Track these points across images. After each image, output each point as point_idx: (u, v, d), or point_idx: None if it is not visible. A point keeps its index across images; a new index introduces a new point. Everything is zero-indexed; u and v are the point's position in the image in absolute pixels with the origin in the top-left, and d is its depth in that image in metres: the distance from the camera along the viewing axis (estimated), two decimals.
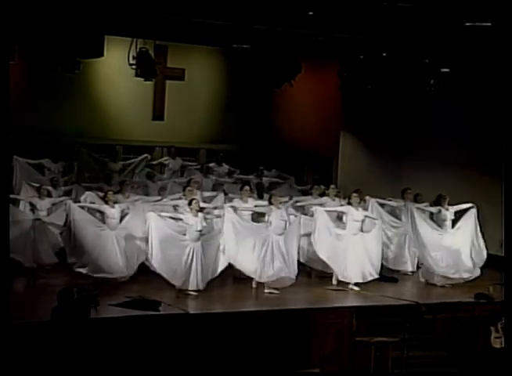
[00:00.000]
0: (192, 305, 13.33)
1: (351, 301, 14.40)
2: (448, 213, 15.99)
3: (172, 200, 15.69)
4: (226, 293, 14.61)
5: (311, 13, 15.34)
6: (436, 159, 19.35)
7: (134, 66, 17.37)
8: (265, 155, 20.74)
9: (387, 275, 16.32)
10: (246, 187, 16.08)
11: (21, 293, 13.70)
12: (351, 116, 20.52)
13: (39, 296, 13.47)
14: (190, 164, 19.67)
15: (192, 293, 13.87)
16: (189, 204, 14.30)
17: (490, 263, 16.56)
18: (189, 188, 15.58)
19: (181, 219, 14.15)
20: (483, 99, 18.03)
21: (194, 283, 13.89)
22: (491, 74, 16.80)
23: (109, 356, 11.71)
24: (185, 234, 14.07)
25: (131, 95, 19.79)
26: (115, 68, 18.83)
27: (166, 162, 19.29)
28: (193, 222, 14.04)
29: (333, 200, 16.54)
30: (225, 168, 19.39)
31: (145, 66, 17.38)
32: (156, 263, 13.86)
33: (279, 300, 14.20)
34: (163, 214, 14.21)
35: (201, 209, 14.39)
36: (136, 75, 17.60)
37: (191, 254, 13.92)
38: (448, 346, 14.13)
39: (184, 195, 15.37)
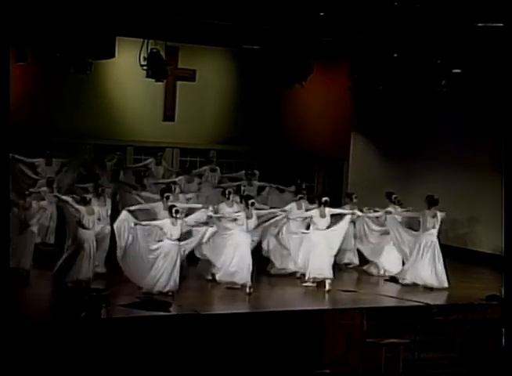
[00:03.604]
0: (202, 306, 13.32)
1: (361, 303, 14.37)
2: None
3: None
4: (235, 294, 14.60)
5: (322, 14, 15.34)
6: (447, 160, 19.30)
7: (145, 67, 17.39)
8: (275, 156, 20.74)
9: None
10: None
11: (32, 294, 13.75)
12: (361, 117, 20.48)
13: (49, 297, 13.53)
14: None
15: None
16: (169, 211, 13.93)
17: (494, 264, 16.51)
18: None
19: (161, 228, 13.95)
20: (494, 99, 17.98)
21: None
22: (501, 75, 16.75)
23: (120, 356, 11.72)
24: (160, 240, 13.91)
25: (142, 96, 19.80)
26: (126, 69, 18.85)
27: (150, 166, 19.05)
28: (168, 229, 13.75)
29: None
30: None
31: (156, 67, 17.40)
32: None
33: (289, 301, 14.22)
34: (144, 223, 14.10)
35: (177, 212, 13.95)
36: (147, 76, 17.62)
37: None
38: (459, 348, 14.08)
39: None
